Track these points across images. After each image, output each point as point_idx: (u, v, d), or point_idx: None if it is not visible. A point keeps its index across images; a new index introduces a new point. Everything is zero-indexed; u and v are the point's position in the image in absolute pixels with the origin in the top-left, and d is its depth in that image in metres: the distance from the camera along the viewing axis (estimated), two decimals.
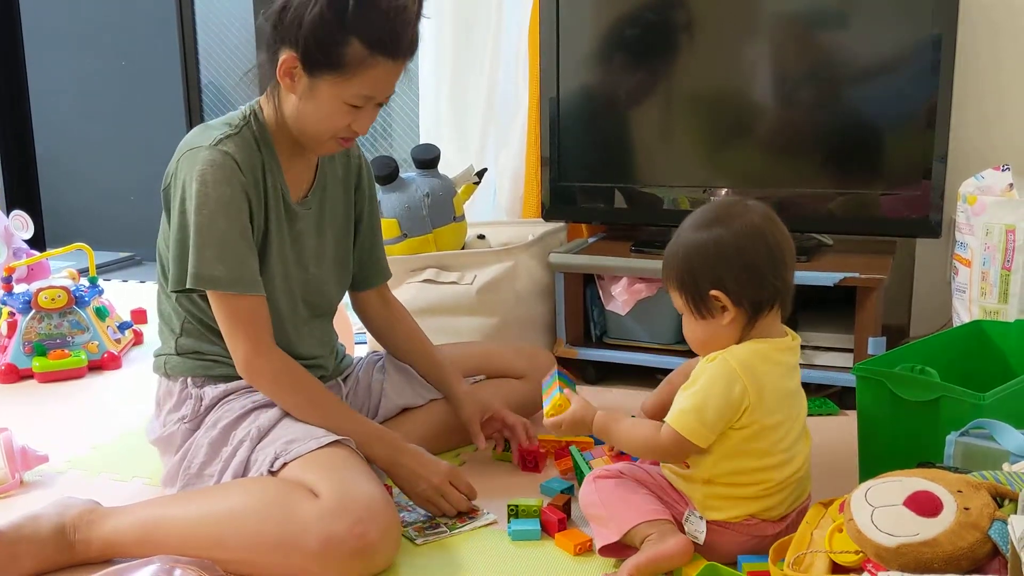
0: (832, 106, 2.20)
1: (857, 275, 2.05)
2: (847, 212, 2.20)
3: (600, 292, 2.35)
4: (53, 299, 2.48)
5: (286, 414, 1.57)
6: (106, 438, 2.05)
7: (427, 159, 2.37)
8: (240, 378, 1.60)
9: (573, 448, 1.74)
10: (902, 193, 2.13)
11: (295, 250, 1.66)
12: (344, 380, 1.84)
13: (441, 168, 2.41)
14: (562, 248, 2.43)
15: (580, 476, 1.62)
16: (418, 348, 1.86)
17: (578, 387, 2.24)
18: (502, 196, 2.74)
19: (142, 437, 1.76)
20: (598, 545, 1.42)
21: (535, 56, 2.50)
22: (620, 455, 1.64)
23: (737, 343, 1.36)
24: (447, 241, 2.35)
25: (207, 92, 4.04)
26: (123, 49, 4.07)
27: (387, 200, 2.30)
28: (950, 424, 1.41)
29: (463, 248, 2.42)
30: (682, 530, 1.38)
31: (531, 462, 1.78)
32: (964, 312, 1.99)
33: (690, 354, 1.46)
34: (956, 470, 1.23)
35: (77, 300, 2.53)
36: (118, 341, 2.65)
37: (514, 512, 1.55)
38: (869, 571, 1.14)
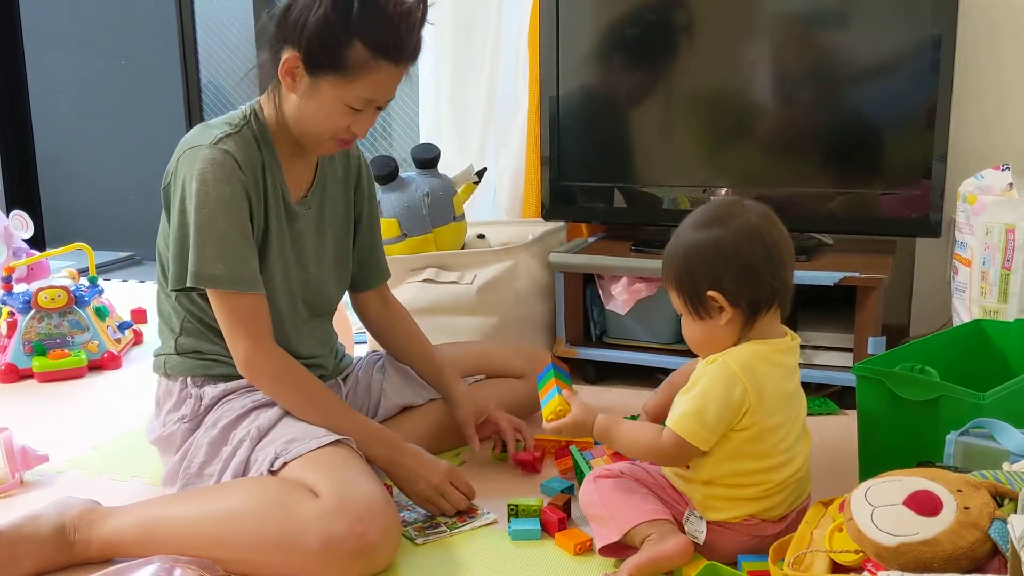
0: (832, 106, 2.20)
1: (857, 275, 2.05)
2: (847, 212, 2.20)
3: (600, 292, 2.35)
4: (53, 299, 2.48)
5: (286, 413, 1.57)
6: (106, 438, 2.05)
7: (427, 159, 2.37)
8: (240, 378, 1.60)
9: (573, 448, 1.74)
10: (902, 193, 2.13)
11: (295, 250, 1.66)
12: (344, 380, 1.84)
13: (441, 168, 2.41)
14: (562, 248, 2.43)
15: (580, 476, 1.62)
16: (417, 349, 1.86)
17: (578, 388, 2.27)
18: (502, 196, 2.74)
19: (142, 437, 1.76)
20: (598, 545, 1.42)
21: (535, 56, 2.50)
22: (620, 455, 1.64)
23: (736, 344, 1.36)
24: (447, 241, 2.35)
25: (207, 92, 4.05)
26: (123, 49, 4.07)
27: (387, 200, 2.30)
28: (950, 423, 1.41)
29: (463, 248, 2.42)
30: (682, 530, 1.38)
31: (528, 466, 1.78)
32: (964, 312, 1.99)
33: (690, 354, 1.46)
34: (956, 469, 1.23)
35: (77, 300, 2.53)
36: (118, 341, 2.65)
37: (514, 512, 1.55)
38: (869, 570, 1.14)
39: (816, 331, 2.16)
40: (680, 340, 2.19)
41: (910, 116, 2.11)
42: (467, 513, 1.60)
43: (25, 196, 4.24)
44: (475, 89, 2.80)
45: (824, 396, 2.12)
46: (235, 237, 1.52)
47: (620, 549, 1.39)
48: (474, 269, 2.28)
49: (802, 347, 2.13)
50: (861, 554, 1.15)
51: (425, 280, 2.28)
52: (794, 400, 1.40)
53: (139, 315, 2.93)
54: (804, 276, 2.03)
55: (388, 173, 2.30)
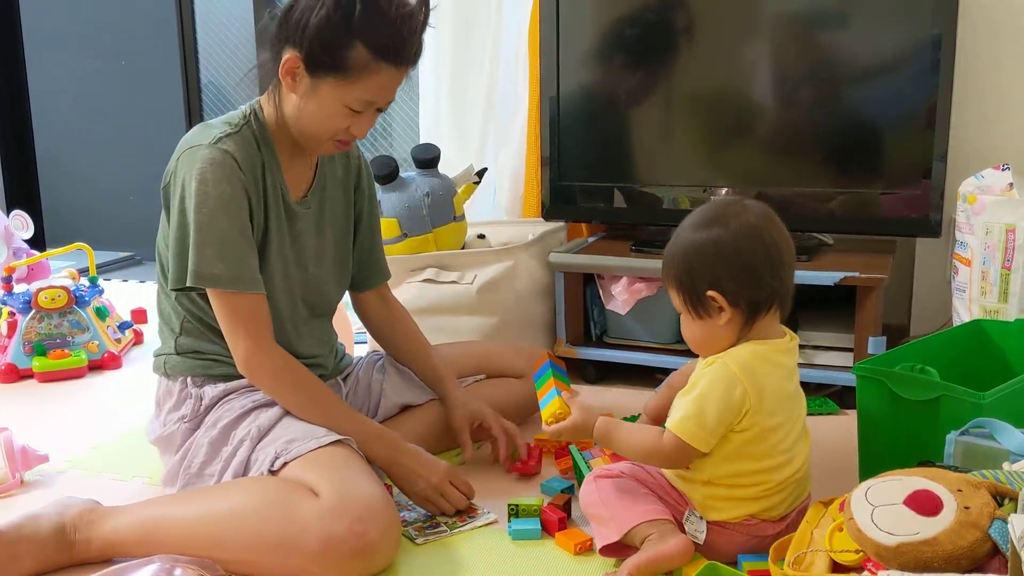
0: (832, 106, 2.20)
1: (857, 274, 2.05)
2: (847, 211, 2.20)
3: (600, 291, 2.35)
4: (53, 299, 2.48)
5: (286, 413, 1.57)
6: (106, 438, 2.05)
7: (427, 159, 2.37)
8: (240, 377, 1.60)
9: (573, 447, 1.74)
10: (902, 192, 2.13)
11: (295, 250, 1.66)
12: (344, 379, 1.84)
13: (441, 168, 2.41)
14: (562, 248, 2.43)
15: (580, 476, 1.62)
16: (416, 350, 1.86)
17: (578, 388, 2.27)
18: (502, 196, 2.74)
19: (142, 437, 1.76)
20: (598, 545, 1.42)
21: (535, 55, 2.50)
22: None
23: (735, 344, 1.36)
24: (447, 241, 2.35)
25: (207, 92, 4.05)
26: (123, 49, 4.07)
27: (387, 200, 2.30)
28: (950, 423, 1.41)
29: (463, 248, 2.42)
30: (682, 530, 1.38)
31: (524, 472, 1.77)
32: (964, 311, 1.99)
33: (691, 354, 1.46)
34: (956, 469, 1.23)
35: (77, 300, 2.53)
36: (118, 341, 2.65)
37: (514, 511, 1.55)
38: (869, 570, 1.14)
39: (816, 331, 2.16)
40: (680, 340, 2.19)
41: (910, 116, 2.11)
42: (467, 513, 1.60)
43: (25, 196, 4.24)
44: (475, 89, 2.80)
45: (824, 396, 2.12)
46: (235, 236, 1.52)
47: (620, 549, 1.39)
48: (474, 269, 2.28)
49: (802, 347, 2.14)
50: (861, 554, 1.15)
51: (425, 280, 2.28)
52: (794, 400, 1.40)
53: (139, 315, 2.93)
54: (804, 276, 2.03)
55: (388, 173, 2.30)
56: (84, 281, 2.71)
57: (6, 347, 2.49)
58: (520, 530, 1.52)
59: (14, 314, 2.50)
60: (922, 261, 2.38)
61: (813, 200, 2.22)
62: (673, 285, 1.38)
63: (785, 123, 2.27)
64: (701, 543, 1.37)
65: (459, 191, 2.39)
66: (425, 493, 1.57)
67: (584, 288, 2.37)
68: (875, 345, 2.04)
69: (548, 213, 2.50)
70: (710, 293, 1.33)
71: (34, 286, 2.53)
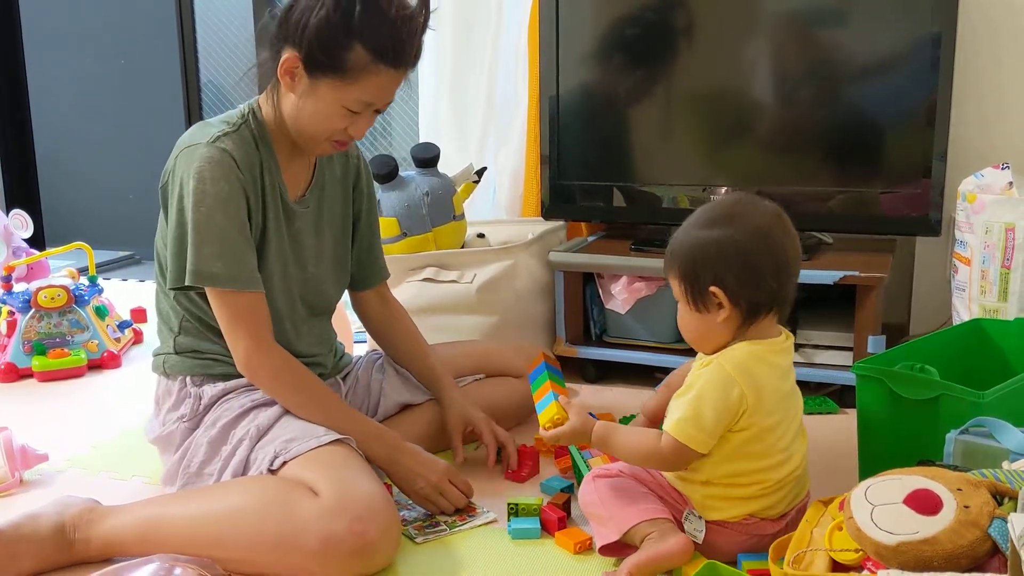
0: (832, 104, 2.20)
1: (857, 273, 2.05)
2: (847, 210, 2.20)
3: (600, 291, 2.35)
4: (53, 298, 2.48)
5: (285, 412, 1.57)
6: (106, 437, 2.05)
7: (427, 158, 2.37)
8: (239, 377, 1.60)
9: (572, 447, 1.74)
10: (902, 191, 2.13)
11: (293, 249, 1.66)
12: (343, 379, 1.84)
13: (441, 167, 2.41)
14: (562, 247, 2.43)
15: (579, 475, 1.62)
16: (414, 350, 1.86)
17: (578, 387, 2.27)
18: (502, 195, 2.74)
19: (142, 436, 1.76)
20: (598, 544, 1.42)
21: (535, 55, 2.50)
22: None
23: (729, 342, 1.36)
24: (447, 240, 2.35)
25: (207, 91, 4.05)
26: (123, 48, 4.07)
27: (387, 199, 2.30)
28: (950, 422, 1.41)
29: (463, 247, 2.41)
30: (682, 529, 1.38)
31: (515, 480, 1.75)
32: (964, 310, 1.99)
33: (690, 352, 1.46)
34: (956, 468, 1.23)
35: (77, 299, 2.53)
36: (118, 340, 2.65)
37: (514, 510, 1.55)
38: (869, 569, 1.14)
39: (816, 330, 2.16)
40: (680, 339, 2.18)
41: (910, 115, 2.11)
42: (466, 512, 1.60)
43: (25, 195, 4.24)
44: (475, 88, 2.80)
45: (824, 395, 2.12)
46: (233, 235, 1.52)
47: (620, 548, 1.39)
48: (474, 268, 2.28)
49: (802, 346, 2.14)
50: (861, 553, 1.15)
51: (425, 279, 2.28)
52: (791, 399, 1.40)
53: (139, 314, 2.93)
54: (804, 275, 2.01)
55: (388, 172, 2.30)
56: (84, 280, 2.71)
57: (5, 346, 2.49)
58: (520, 529, 1.52)
59: (13, 313, 2.50)
60: (922, 260, 2.38)
61: (813, 199, 2.22)
62: (676, 275, 1.38)
63: (785, 122, 2.27)
64: (700, 542, 1.37)
65: (459, 190, 2.39)
66: (424, 492, 1.57)
67: (584, 287, 2.37)
68: (875, 344, 2.04)
69: (548, 212, 2.50)
70: (712, 288, 1.33)
71: (33, 285, 2.53)
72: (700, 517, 1.38)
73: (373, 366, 1.88)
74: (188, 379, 1.64)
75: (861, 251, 2.23)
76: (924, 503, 1.11)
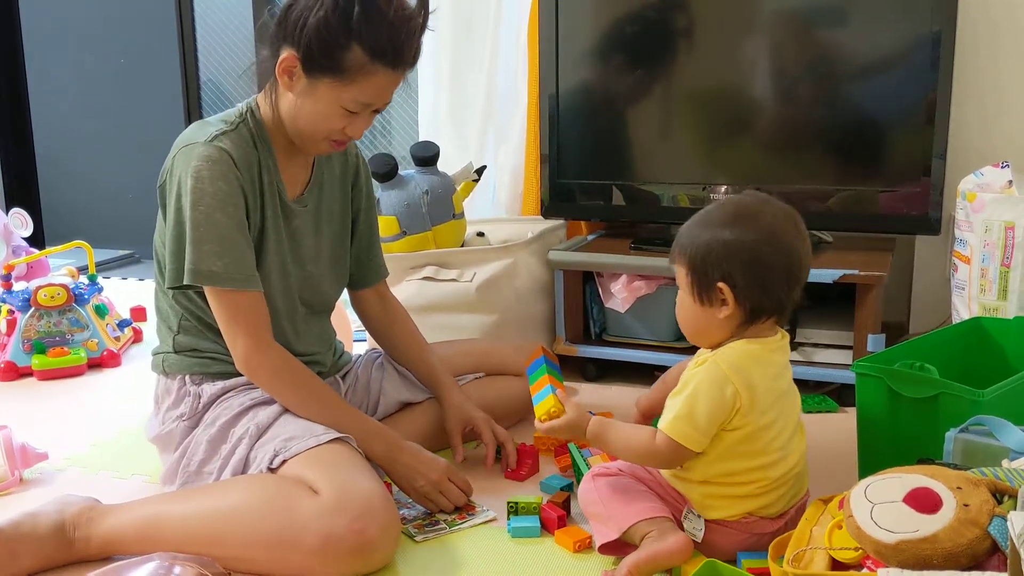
0: (831, 103, 2.20)
1: (857, 272, 2.05)
2: (846, 209, 2.20)
3: (599, 289, 2.35)
4: (52, 297, 2.48)
5: (285, 411, 1.57)
6: (105, 436, 2.05)
7: (426, 156, 2.37)
8: (238, 375, 1.60)
9: (572, 446, 1.74)
10: (902, 190, 2.13)
11: (292, 248, 1.66)
12: (343, 377, 1.84)
13: (440, 165, 2.41)
14: (561, 245, 2.43)
15: (579, 474, 1.62)
16: (413, 349, 1.86)
17: (578, 386, 2.27)
18: (501, 193, 2.74)
19: (141, 435, 1.76)
20: (597, 543, 1.42)
21: (534, 53, 2.50)
22: None
23: (726, 340, 1.36)
24: (446, 238, 2.35)
25: (206, 90, 4.05)
26: (122, 47, 4.07)
27: (386, 197, 2.30)
28: (949, 421, 1.41)
29: (462, 245, 2.41)
30: (682, 528, 1.38)
31: (514, 479, 1.75)
32: (963, 309, 1.99)
33: (690, 351, 1.46)
34: (955, 467, 1.23)
35: (76, 298, 2.53)
36: (117, 339, 2.65)
37: (514, 509, 1.55)
38: (868, 568, 1.14)
39: (815, 328, 2.16)
40: (680, 338, 2.20)
41: (910, 113, 2.11)
42: (466, 510, 1.60)
43: (25, 194, 4.25)
44: (474, 87, 2.80)
45: (823, 394, 2.12)
46: (232, 234, 1.52)
47: (619, 547, 1.39)
48: (474, 267, 2.28)
49: (801, 344, 2.14)
50: (860, 551, 1.15)
51: (425, 278, 2.28)
52: (787, 398, 1.40)
53: (138, 313, 2.93)
54: None
55: (387, 171, 2.30)
56: (83, 279, 2.71)
57: (5, 345, 2.49)
58: (519, 528, 1.52)
59: (13, 312, 2.50)
60: (921, 259, 2.38)
61: (813, 198, 2.22)
62: (685, 263, 1.37)
63: (784, 121, 2.27)
64: (700, 541, 1.37)
65: (458, 189, 2.39)
66: (424, 490, 1.57)
67: (583, 286, 2.37)
68: (874, 343, 2.04)
69: (547, 211, 2.50)
70: (720, 284, 1.33)
71: (33, 284, 2.53)
72: (699, 516, 1.38)
73: (373, 365, 1.88)
74: (187, 378, 1.64)
75: (861, 250, 2.23)
76: (924, 501, 1.11)
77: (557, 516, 1.52)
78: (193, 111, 4.02)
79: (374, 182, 2.05)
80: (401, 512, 1.57)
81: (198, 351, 1.64)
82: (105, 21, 4.06)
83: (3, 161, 4.23)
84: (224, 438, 1.56)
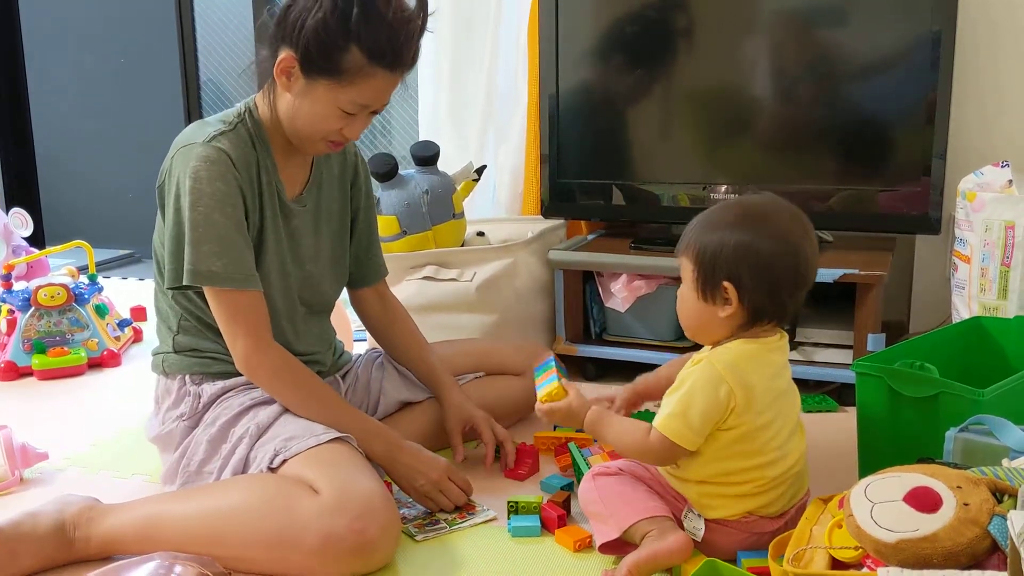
0: (831, 103, 2.20)
1: (857, 272, 2.05)
2: (847, 209, 2.20)
3: (600, 289, 2.35)
4: (52, 296, 2.48)
5: (285, 410, 1.57)
6: (106, 435, 2.05)
7: (426, 156, 2.37)
8: (238, 375, 1.60)
9: (572, 445, 1.74)
10: (902, 190, 2.13)
11: (291, 247, 1.66)
12: (343, 377, 1.84)
13: (440, 165, 2.41)
14: (562, 245, 2.43)
15: (579, 473, 1.62)
16: (413, 349, 1.86)
17: (578, 385, 2.27)
18: (501, 193, 2.74)
19: (141, 435, 1.76)
20: (598, 542, 1.42)
21: (534, 53, 2.50)
22: None
23: (725, 339, 1.36)
24: (446, 238, 2.35)
25: (206, 90, 4.05)
26: (122, 47, 4.07)
27: (386, 197, 2.30)
28: (949, 420, 1.41)
29: (462, 245, 2.42)
30: (682, 527, 1.38)
31: (514, 478, 1.75)
32: (963, 308, 1.99)
33: (691, 351, 1.46)
34: (955, 466, 1.23)
35: (76, 298, 2.53)
36: (117, 338, 2.65)
37: (514, 508, 1.55)
38: (868, 567, 1.14)
39: (816, 328, 2.16)
40: (680, 337, 2.20)
41: (910, 113, 2.11)
42: (466, 509, 1.60)
43: (25, 194, 4.24)
44: (474, 86, 2.80)
45: (823, 393, 2.12)
46: (231, 234, 1.52)
47: (620, 546, 1.39)
48: (474, 266, 2.28)
49: (801, 344, 2.14)
50: (860, 550, 1.15)
51: (425, 278, 2.28)
52: (786, 397, 1.39)
53: (139, 313, 2.93)
54: None
55: (387, 171, 2.30)
56: (83, 279, 2.71)
57: (5, 345, 2.49)
58: (519, 527, 1.52)
59: (13, 312, 2.50)
60: (921, 258, 2.38)
61: (813, 197, 2.22)
62: (692, 258, 1.36)
63: (784, 120, 2.27)
64: (700, 540, 1.37)
65: (458, 188, 2.39)
66: (424, 490, 1.57)
67: (584, 285, 2.37)
68: (874, 342, 2.04)
69: (547, 210, 2.50)
70: (726, 283, 1.33)
71: (33, 284, 2.53)
72: (699, 515, 1.38)
73: (373, 364, 1.88)
74: (187, 378, 1.64)
75: (861, 249, 2.23)
76: (924, 501, 1.11)
77: (557, 515, 1.52)
78: (193, 111, 4.02)
79: (374, 182, 2.05)
80: (401, 511, 1.57)
81: (198, 351, 1.64)
82: (105, 21, 4.06)
83: (3, 161, 4.24)
84: (224, 438, 1.56)
